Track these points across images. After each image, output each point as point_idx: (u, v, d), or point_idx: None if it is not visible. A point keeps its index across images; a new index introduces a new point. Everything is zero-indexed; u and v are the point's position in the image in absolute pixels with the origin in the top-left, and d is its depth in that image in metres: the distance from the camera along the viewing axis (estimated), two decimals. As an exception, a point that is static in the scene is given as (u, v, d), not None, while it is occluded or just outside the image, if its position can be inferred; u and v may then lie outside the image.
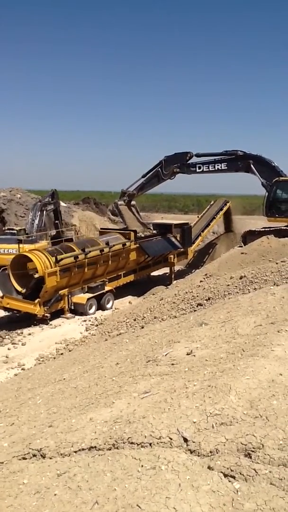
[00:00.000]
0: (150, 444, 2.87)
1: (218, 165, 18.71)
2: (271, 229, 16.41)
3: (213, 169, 18.88)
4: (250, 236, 16.87)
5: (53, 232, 23.09)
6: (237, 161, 18.18)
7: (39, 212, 22.05)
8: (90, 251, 15.27)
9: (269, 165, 17.63)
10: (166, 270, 20.45)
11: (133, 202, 21.23)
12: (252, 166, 17.56)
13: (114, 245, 16.50)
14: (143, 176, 20.39)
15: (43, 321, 13.61)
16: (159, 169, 19.87)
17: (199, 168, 19.22)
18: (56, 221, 23.75)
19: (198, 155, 19.36)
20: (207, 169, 19.00)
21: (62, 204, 33.32)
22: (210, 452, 2.68)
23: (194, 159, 19.47)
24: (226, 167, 18.62)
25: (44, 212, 22.35)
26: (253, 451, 2.59)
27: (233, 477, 2.44)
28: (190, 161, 19.58)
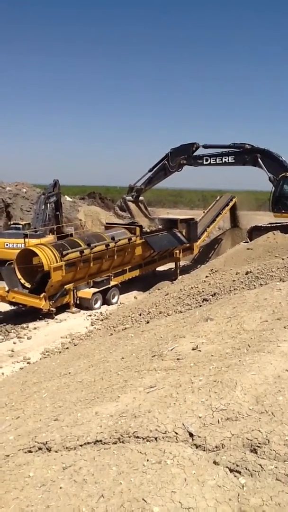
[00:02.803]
0: (156, 438, 2.88)
1: (225, 158, 18.54)
2: (277, 224, 16.31)
3: (220, 161, 18.69)
4: (256, 232, 16.79)
5: (54, 226, 22.84)
6: (245, 155, 17.99)
7: (43, 206, 21.93)
8: (95, 246, 15.27)
9: (277, 160, 17.45)
10: (171, 265, 20.42)
11: (141, 198, 21.14)
12: (259, 160, 17.38)
13: (119, 240, 16.48)
14: (150, 170, 20.27)
15: (49, 315, 13.66)
16: (166, 162, 19.73)
17: (206, 160, 19.04)
18: (57, 213, 23.49)
19: (205, 146, 19.13)
20: (214, 162, 18.82)
21: (67, 198, 33.25)
22: (216, 447, 2.68)
23: (202, 151, 19.30)
24: (233, 160, 18.44)
25: (48, 205, 22.18)
26: (258, 447, 2.58)
27: (239, 472, 2.44)
28: (197, 153, 19.41)
